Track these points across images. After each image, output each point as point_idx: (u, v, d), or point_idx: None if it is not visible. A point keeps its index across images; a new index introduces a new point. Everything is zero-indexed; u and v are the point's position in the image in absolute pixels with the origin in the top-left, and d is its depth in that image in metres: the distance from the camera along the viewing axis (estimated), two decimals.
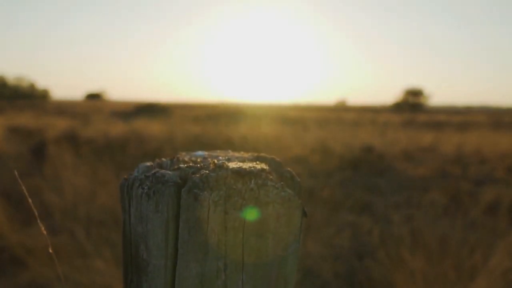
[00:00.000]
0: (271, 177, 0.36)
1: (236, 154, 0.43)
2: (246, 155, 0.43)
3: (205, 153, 0.42)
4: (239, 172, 0.34)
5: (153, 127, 11.69)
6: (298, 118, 20.58)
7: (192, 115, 21.49)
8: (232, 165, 0.36)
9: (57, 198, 4.33)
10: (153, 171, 0.35)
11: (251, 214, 0.37)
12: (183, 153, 0.42)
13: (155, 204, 0.35)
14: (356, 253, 3.39)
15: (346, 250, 3.42)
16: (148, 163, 0.38)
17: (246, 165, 0.36)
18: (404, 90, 52.81)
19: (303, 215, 0.36)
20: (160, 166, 0.39)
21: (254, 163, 0.38)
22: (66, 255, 3.11)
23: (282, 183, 0.36)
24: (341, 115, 25.70)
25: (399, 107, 52.27)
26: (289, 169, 0.40)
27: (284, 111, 32.36)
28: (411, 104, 51.64)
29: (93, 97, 75.08)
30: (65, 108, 29.11)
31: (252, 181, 0.34)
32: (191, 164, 0.37)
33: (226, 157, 0.40)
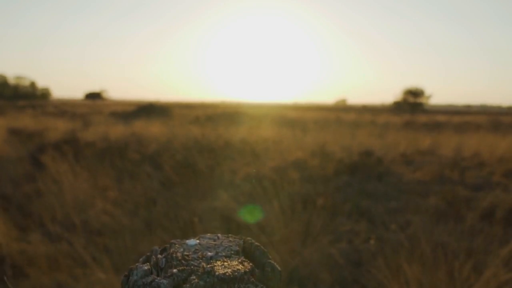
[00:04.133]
0: (252, 279, 0.41)
1: (225, 242, 0.48)
2: (233, 242, 0.48)
3: (197, 241, 0.47)
4: (224, 279, 0.39)
5: (153, 129, 11.74)
6: (297, 119, 20.62)
7: (192, 116, 21.54)
8: (219, 269, 0.41)
9: (57, 204, 4.38)
10: (149, 279, 0.40)
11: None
12: (177, 243, 0.47)
13: None
14: (353, 261, 3.44)
15: (343, 258, 3.46)
16: (146, 267, 0.43)
17: (231, 268, 0.41)
18: (404, 89, 52.75)
19: None
20: (156, 264, 0.44)
21: (239, 260, 0.43)
22: (65, 264, 3.16)
23: (262, 286, 0.41)
24: (340, 116, 25.74)
25: (399, 106, 52.28)
26: (270, 260, 0.44)
27: (284, 111, 32.37)
28: (411, 103, 51.57)
29: (93, 96, 75.16)
30: (65, 109, 29.15)
31: (236, 286, 0.39)
32: (183, 266, 0.42)
33: (215, 251, 0.45)
